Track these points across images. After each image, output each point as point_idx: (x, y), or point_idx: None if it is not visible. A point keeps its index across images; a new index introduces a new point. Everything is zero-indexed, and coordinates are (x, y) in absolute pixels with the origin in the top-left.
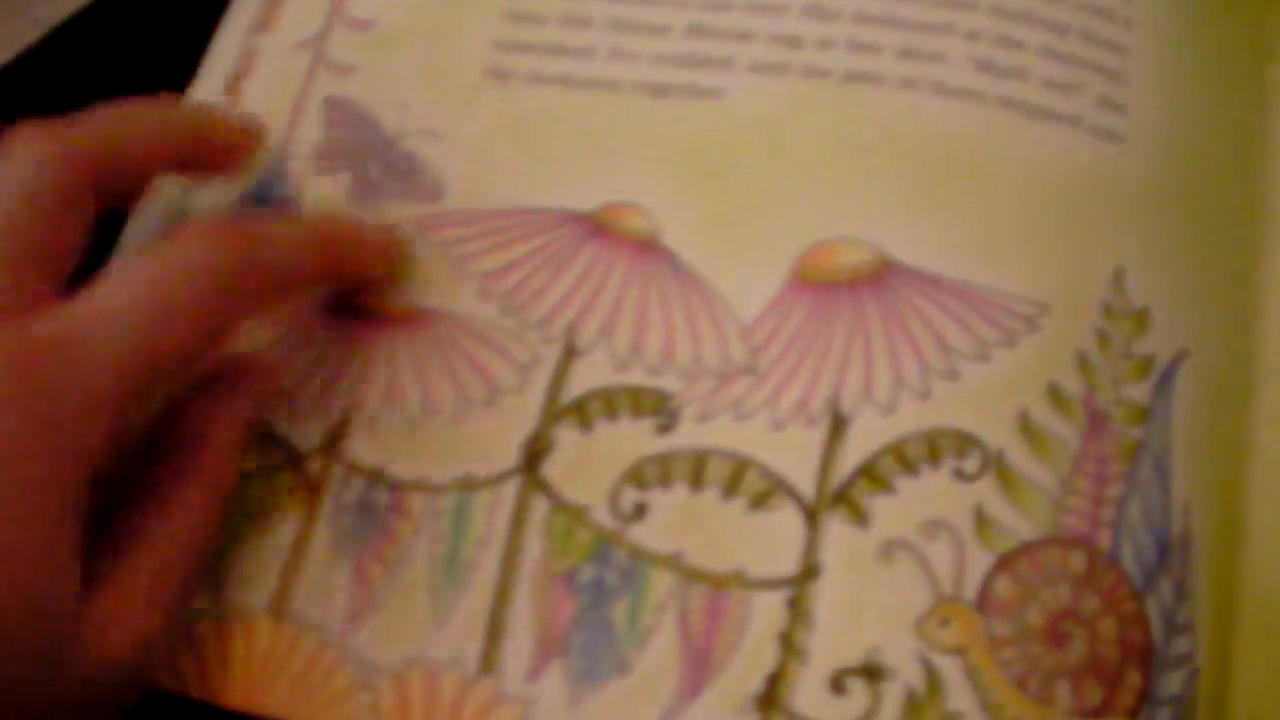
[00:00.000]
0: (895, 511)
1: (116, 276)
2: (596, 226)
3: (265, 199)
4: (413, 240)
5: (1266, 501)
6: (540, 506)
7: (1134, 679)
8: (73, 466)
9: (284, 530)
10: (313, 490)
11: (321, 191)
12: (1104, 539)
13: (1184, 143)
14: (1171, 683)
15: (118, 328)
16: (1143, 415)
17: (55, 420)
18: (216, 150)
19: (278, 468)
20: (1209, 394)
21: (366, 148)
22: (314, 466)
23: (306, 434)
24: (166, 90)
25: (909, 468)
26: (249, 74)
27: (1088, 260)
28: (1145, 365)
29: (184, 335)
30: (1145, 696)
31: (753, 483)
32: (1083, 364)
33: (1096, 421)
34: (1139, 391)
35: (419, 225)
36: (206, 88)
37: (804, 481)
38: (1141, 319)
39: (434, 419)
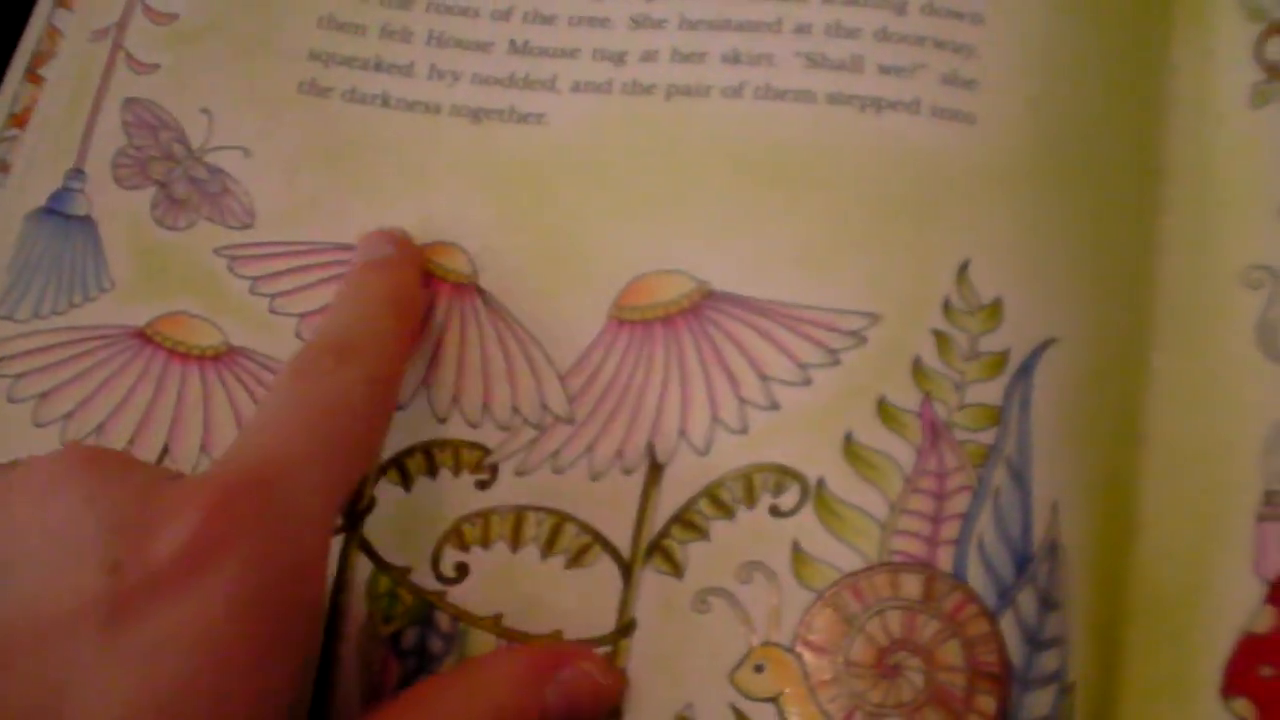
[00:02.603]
0: (710, 558)
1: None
2: None
3: (61, 213)
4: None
5: (1162, 488)
6: (363, 568)
7: (986, 705)
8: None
9: None
10: None
11: (123, 209)
12: (945, 559)
13: (1050, 112)
14: (1037, 704)
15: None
16: (993, 417)
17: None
18: None
19: None
20: (1084, 381)
21: (171, 160)
22: None
23: None
24: None
25: (724, 510)
26: (51, 57)
27: (927, 257)
28: (997, 362)
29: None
30: None
31: (570, 539)
32: (918, 372)
33: (935, 432)
34: (989, 391)
35: (231, 258)
36: (16, 71)
37: (621, 534)
38: (993, 312)
39: None
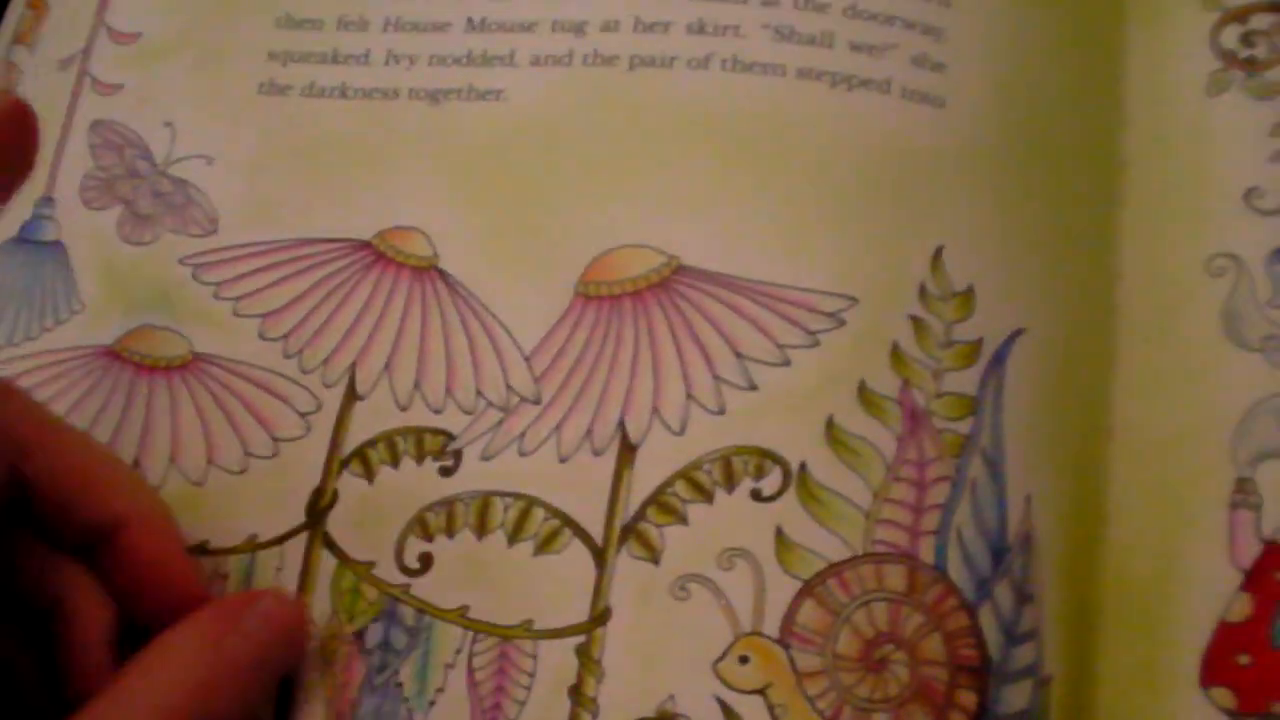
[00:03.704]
0: (689, 543)
1: None
2: (376, 255)
3: (32, 241)
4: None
5: (1132, 479)
6: (327, 564)
7: (966, 699)
8: None
9: None
10: None
11: (90, 230)
12: (926, 550)
13: (1016, 99)
14: (1014, 697)
15: None
16: (969, 406)
17: None
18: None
19: None
20: (1052, 372)
21: (136, 176)
22: None
23: None
24: None
25: (702, 493)
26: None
27: (902, 241)
28: (971, 351)
29: None
30: (982, 717)
31: (538, 524)
32: (896, 358)
33: (915, 420)
34: (964, 380)
35: (195, 265)
36: None
37: (593, 518)
38: (965, 300)
39: (218, 475)
